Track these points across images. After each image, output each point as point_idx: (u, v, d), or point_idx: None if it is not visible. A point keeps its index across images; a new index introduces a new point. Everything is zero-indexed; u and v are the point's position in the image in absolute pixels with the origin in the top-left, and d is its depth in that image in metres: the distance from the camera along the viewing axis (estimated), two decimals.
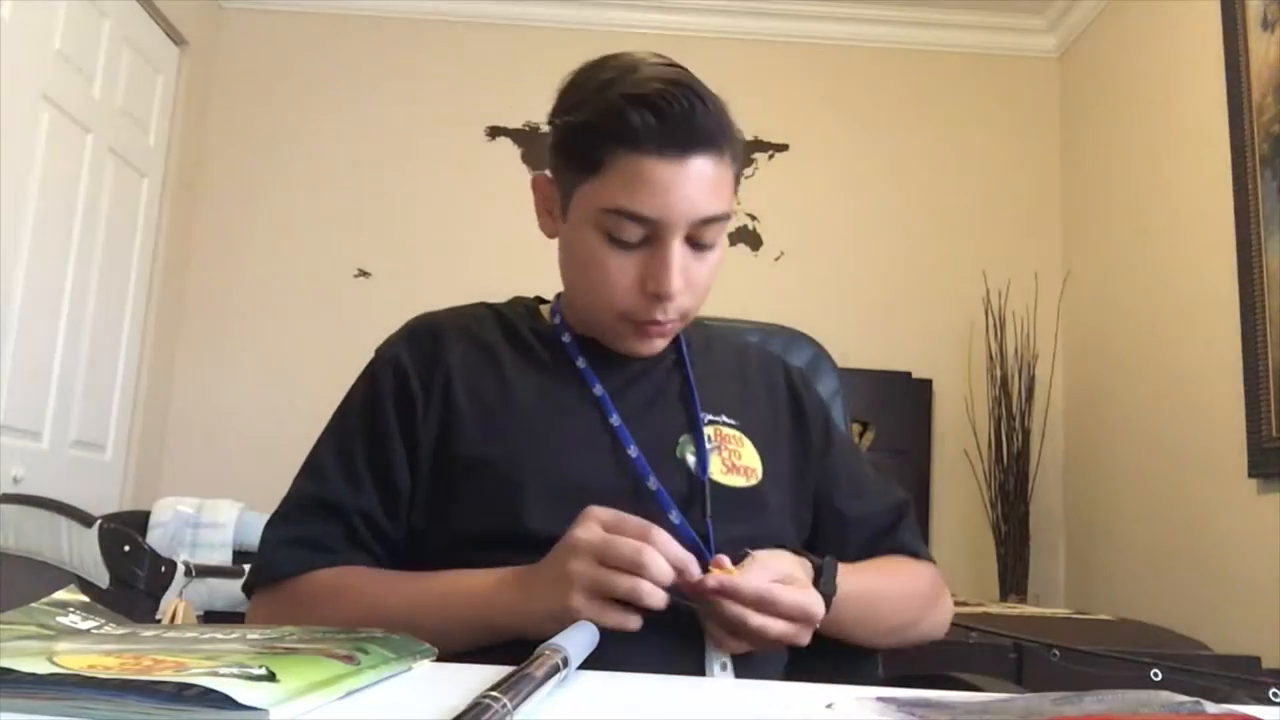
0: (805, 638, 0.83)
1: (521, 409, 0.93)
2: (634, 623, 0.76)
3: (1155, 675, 1.16)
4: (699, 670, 0.83)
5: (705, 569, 0.81)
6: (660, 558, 0.77)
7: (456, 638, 0.80)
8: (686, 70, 0.90)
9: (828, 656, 0.93)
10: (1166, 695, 0.56)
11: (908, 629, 1.02)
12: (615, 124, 0.86)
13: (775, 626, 0.80)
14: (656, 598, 0.76)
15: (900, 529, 1.07)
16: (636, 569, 0.76)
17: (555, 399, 0.94)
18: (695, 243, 0.90)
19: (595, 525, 0.79)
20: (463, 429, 0.92)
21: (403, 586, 0.87)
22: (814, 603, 0.82)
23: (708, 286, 0.94)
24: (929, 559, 1.08)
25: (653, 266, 0.89)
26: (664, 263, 0.88)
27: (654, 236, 0.88)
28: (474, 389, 0.94)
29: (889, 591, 0.99)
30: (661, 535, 0.78)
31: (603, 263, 0.90)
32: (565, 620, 0.75)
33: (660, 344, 0.97)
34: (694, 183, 0.86)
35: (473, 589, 0.84)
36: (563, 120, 0.92)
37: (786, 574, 0.83)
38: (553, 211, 0.96)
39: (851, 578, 0.90)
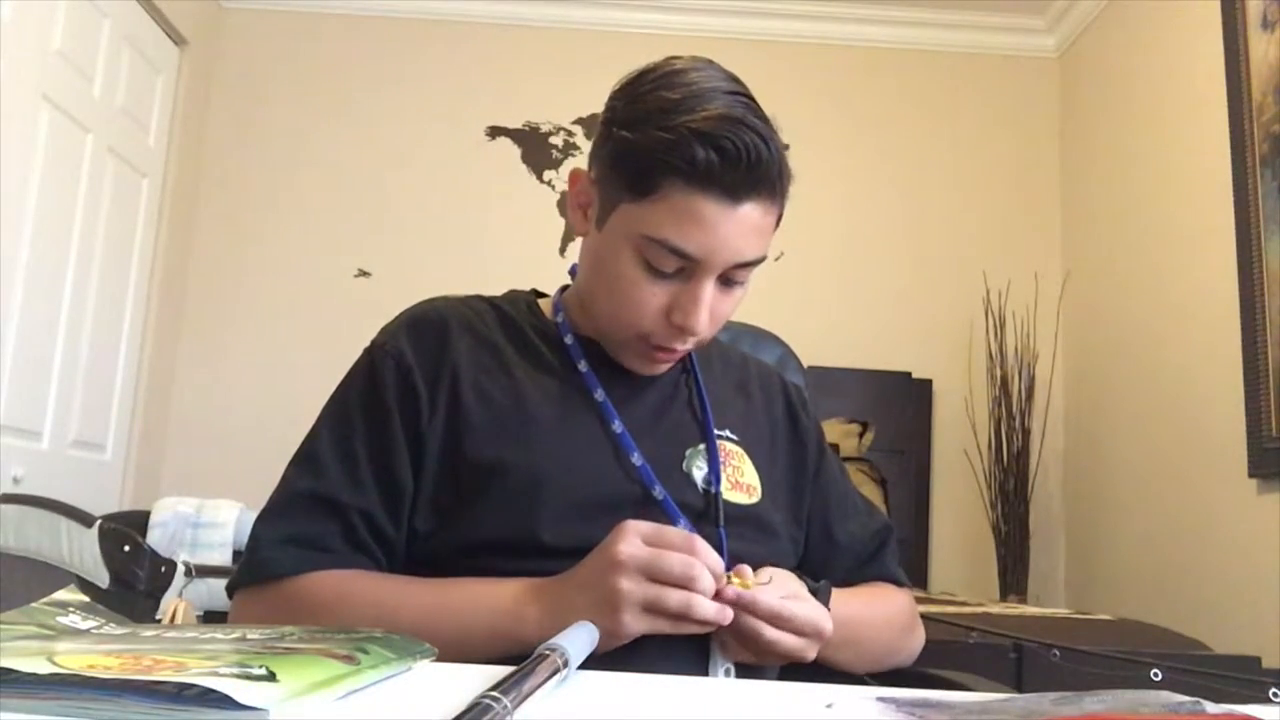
0: (812, 653, 0.83)
1: (532, 412, 0.91)
2: (689, 628, 0.77)
3: (1155, 675, 1.15)
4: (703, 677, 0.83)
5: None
6: (706, 571, 0.77)
7: (477, 650, 0.78)
8: (753, 101, 0.88)
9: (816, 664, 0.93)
10: (1166, 695, 0.56)
11: (885, 657, 1.02)
12: (677, 156, 0.83)
13: (787, 641, 0.80)
14: (709, 610, 0.76)
15: (884, 555, 1.08)
16: (688, 584, 0.76)
17: (561, 402, 0.93)
18: (727, 280, 0.89)
19: (637, 539, 0.77)
20: (473, 431, 0.89)
21: (416, 595, 0.84)
22: (825, 618, 0.82)
23: (729, 316, 0.93)
24: (908, 586, 1.09)
25: (682, 300, 0.87)
26: (695, 300, 0.87)
27: (689, 271, 0.87)
28: (482, 389, 0.91)
29: (873, 619, 0.99)
30: (703, 545, 0.78)
31: (633, 284, 0.88)
32: (619, 638, 0.75)
33: (664, 368, 0.97)
34: (742, 228, 0.85)
35: (497, 600, 0.81)
36: (620, 134, 0.87)
37: (796, 591, 0.83)
38: (587, 212, 0.94)
39: (840, 603, 0.89)
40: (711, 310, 0.89)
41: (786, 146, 0.89)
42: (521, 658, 0.60)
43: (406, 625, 0.77)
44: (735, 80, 0.89)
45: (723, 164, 0.82)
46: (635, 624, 0.76)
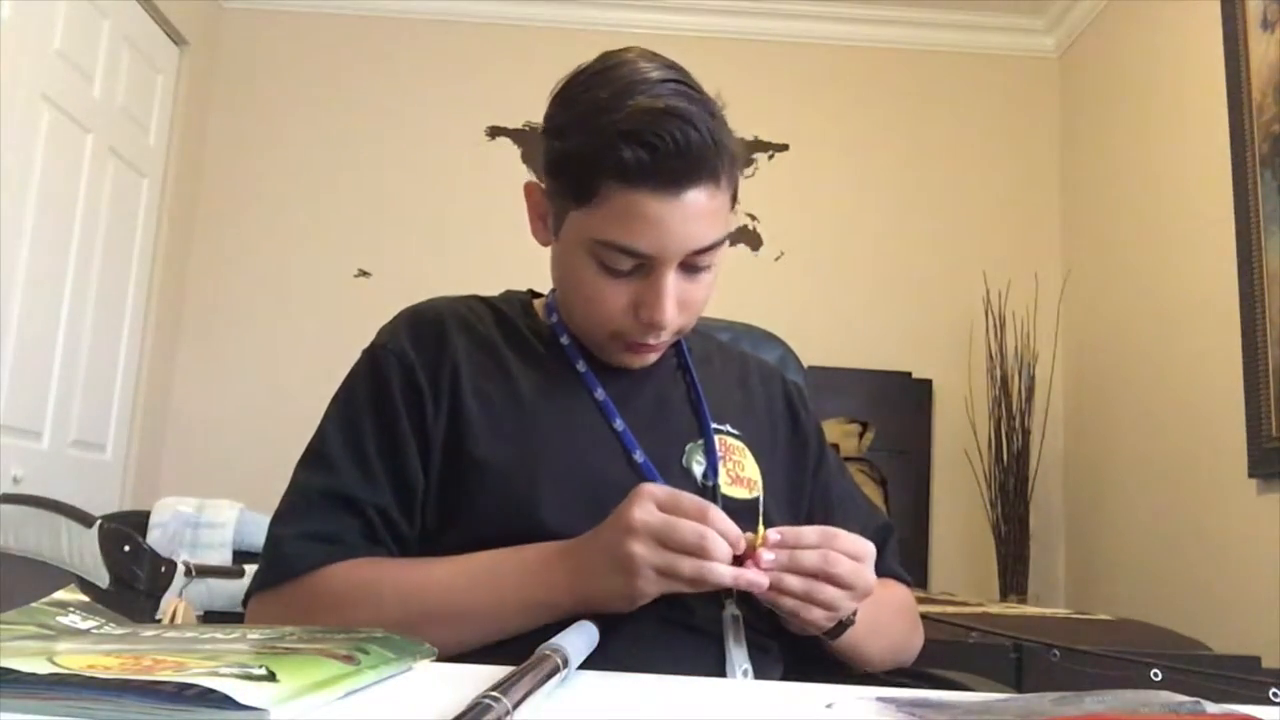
0: (855, 602, 0.82)
1: (530, 410, 0.91)
2: (707, 589, 0.77)
3: (1155, 675, 1.15)
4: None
5: None
6: (720, 539, 0.76)
7: (510, 620, 0.79)
8: (685, 85, 0.86)
9: (825, 660, 0.93)
10: (1166, 695, 0.56)
11: (894, 652, 1.02)
12: (607, 158, 0.83)
13: (844, 563, 0.79)
14: (724, 576, 0.76)
15: (886, 552, 1.07)
16: (700, 552, 0.75)
17: (559, 400, 0.93)
18: (690, 267, 0.89)
19: (651, 505, 0.77)
20: (472, 428, 0.89)
21: (440, 573, 0.84)
22: (870, 545, 0.82)
23: (704, 302, 0.93)
24: (910, 584, 1.09)
25: (646, 296, 0.88)
26: (657, 294, 0.87)
27: (647, 267, 0.87)
28: (480, 387, 0.92)
29: (882, 612, 0.99)
30: (717, 512, 0.78)
31: (596, 288, 0.89)
32: (635, 600, 0.76)
33: (652, 359, 0.97)
34: (689, 216, 0.84)
35: (524, 567, 0.82)
36: (554, 144, 0.89)
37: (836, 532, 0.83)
38: (545, 221, 0.94)
39: None
40: (681, 299, 0.89)
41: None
42: (507, 648, 0.60)
43: (436, 603, 0.80)
44: (670, 67, 0.88)
45: (654, 159, 0.82)
46: (651, 587, 0.76)
